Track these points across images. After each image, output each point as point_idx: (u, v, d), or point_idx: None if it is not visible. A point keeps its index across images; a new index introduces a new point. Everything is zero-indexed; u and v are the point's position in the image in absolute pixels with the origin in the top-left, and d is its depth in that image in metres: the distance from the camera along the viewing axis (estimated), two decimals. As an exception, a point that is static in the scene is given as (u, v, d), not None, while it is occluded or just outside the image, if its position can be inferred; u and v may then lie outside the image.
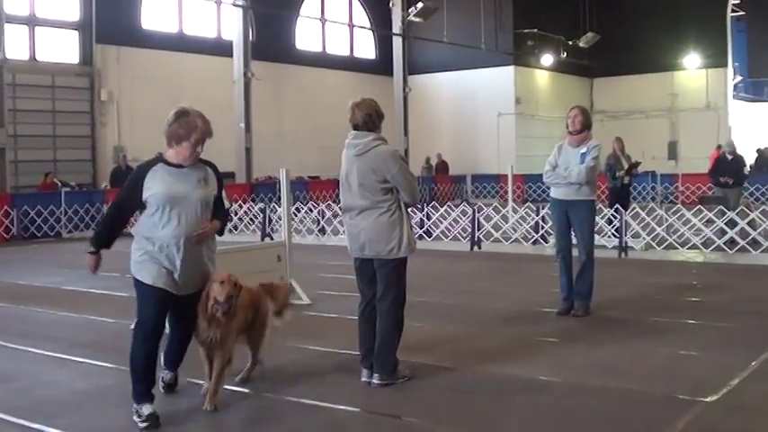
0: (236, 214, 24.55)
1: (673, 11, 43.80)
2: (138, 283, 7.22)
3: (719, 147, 23.03)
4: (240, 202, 26.05)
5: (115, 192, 25.62)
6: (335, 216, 21.60)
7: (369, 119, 7.95)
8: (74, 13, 31.05)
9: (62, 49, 30.83)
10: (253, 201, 27.53)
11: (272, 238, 21.27)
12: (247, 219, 24.19)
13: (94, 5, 30.74)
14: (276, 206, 22.24)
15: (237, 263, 12.33)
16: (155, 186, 7.10)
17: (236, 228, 24.34)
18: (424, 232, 21.42)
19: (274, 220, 22.26)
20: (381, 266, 7.96)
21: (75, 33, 31.20)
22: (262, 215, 22.84)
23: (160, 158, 7.31)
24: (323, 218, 23.25)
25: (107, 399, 7.97)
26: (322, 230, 23.12)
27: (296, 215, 23.06)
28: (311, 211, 23.82)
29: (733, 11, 46.45)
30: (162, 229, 7.11)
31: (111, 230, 7.45)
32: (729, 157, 20.72)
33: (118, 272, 16.50)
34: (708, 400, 7.42)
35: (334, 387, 8.07)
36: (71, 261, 18.76)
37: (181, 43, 33.97)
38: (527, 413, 7.27)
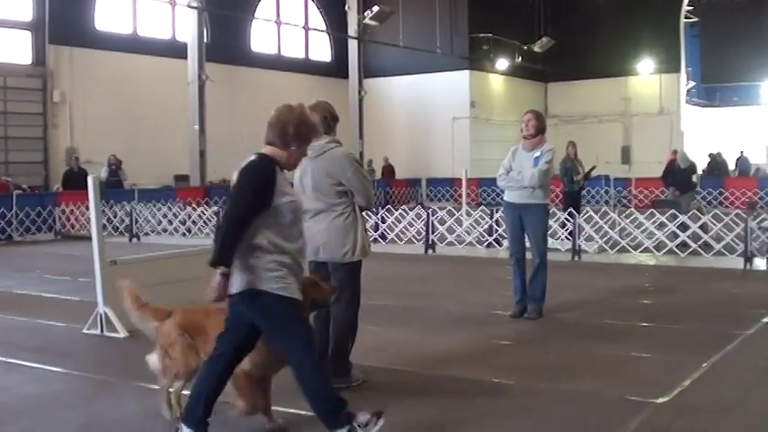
0: (189, 217, 24.44)
1: (627, 17, 44.13)
2: (287, 302, 6.20)
3: (675, 151, 23.33)
4: (194, 205, 25.92)
5: (68, 194, 25.51)
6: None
7: (324, 121, 7.92)
8: (26, 13, 30.74)
9: (14, 49, 30.51)
10: (207, 204, 27.40)
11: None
12: (201, 222, 24.04)
13: (47, 6, 30.45)
14: (230, 209, 22.09)
15: (191, 266, 12.27)
16: (289, 192, 6.32)
17: (189, 231, 24.22)
18: (378, 235, 21.38)
19: (228, 223, 22.12)
20: (336, 270, 7.94)
21: (28, 34, 30.87)
22: (215, 218, 22.71)
23: (273, 159, 6.28)
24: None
25: (57, 404, 7.89)
26: (276, 234, 23.02)
27: (250, 218, 22.92)
28: (265, 214, 23.70)
29: (686, 17, 46.88)
30: (293, 241, 6.28)
31: (239, 242, 6.14)
32: (682, 166, 21.07)
33: (69, 275, 16.48)
34: (659, 401, 7.46)
35: (286, 390, 8.01)
36: (22, 264, 18.57)
37: (135, 45, 33.71)
38: (481, 415, 7.27)
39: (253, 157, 6.28)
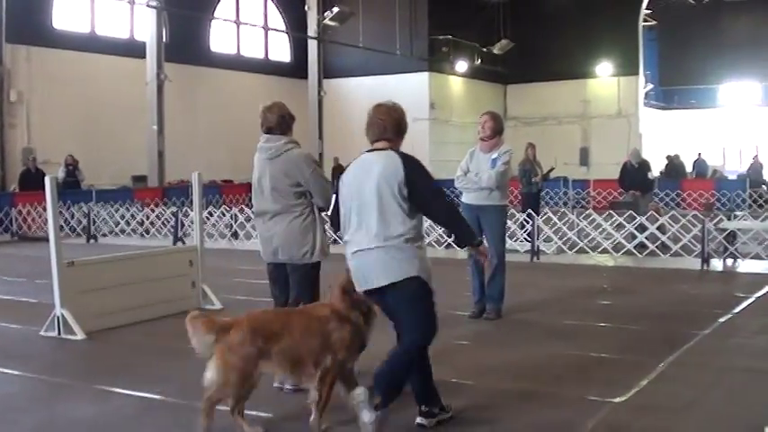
0: (147, 218, 24.30)
1: (586, 20, 44.35)
2: (430, 293, 7.10)
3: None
4: (152, 205, 25.77)
5: (25, 195, 25.28)
6: (248, 220, 21.47)
7: (282, 121, 7.91)
8: (-18, 12, 30.42)
9: (-30, 49, 30.17)
10: (165, 204, 27.26)
11: (184, 243, 21.06)
12: (159, 223, 23.90)
13: (4, 4, 30.06)
14: (188, 210, 22.02)
15: (149, 267, 12.25)
16: None
17: (147, 232, 24.09)
18: (338, 236, 21.33)
19: (186, 225, 22.03)
20: (294, 271, 7.92)
21: (-16, 33, 30.59)
22: (174, 219, 22.58)
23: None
24: (235, 222, 23.08)
25: (12, 406, 7.82)
26: (235, 235, 22.95)
27: (208, 219, 22.85)
28: (224, 215, 23.62)
29: (645, 20, 47.20)
30: None
31: None
32: (635, 165, 21.14)
33: (26, 277, 16.33)
34: (617, 400, 7.52)
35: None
36: (-22, 265, 18.40)
37: (93, 44, 33.43)
38: (439, 417, 7.27)
39: (393, 153, 6.84)
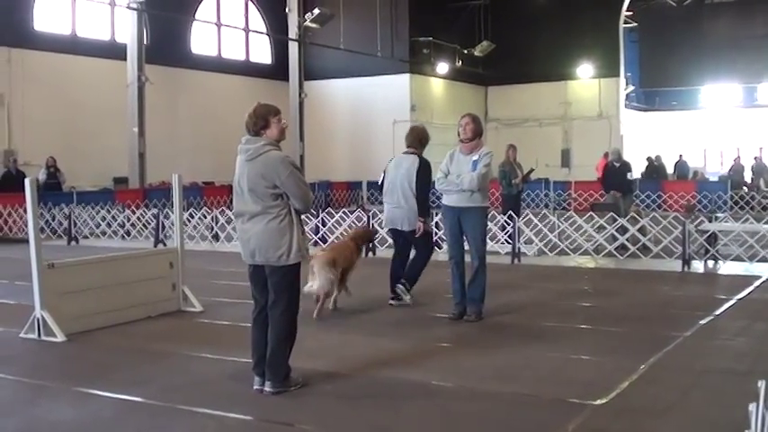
0: (128, 220, 24.21)
1: (567, 21, 44.43)
2: None
3: (606, 154, 23.39)
4: (133, 207, 25.67)
5: (5, 196, 25.09)
6: (229, 222, 21.43)
7: (255, 122, 7.86)
8: (-38, 13, 30.28)
9: (-50, 50, 30.02)
10: (146, 206, 27.15)
11: (164, 245, 21.00)
12: (140, 225, 23.83)
13: (-16, 6, 30.02)
14: (169, 212, 21.92)
15: (130, 269, 12.21)
16: None
17: (128, 234, 24.01)
18: (318, 238, 21.32)
19: (167, 227, 21.96)
20: (272, 273, 7.90)
21: (-36, 34, 30.44)
22: (155, 221, 22.51)
23: None
24: (216, 224, 23.02)
25: (-9, 408, 7.79)
26: (215, 237, 22.89)
27: (189, 221, 22.80)
28: (205, 217, 23.55)
29: (625, 22, 47.32)
30: None
31: None
32: (617, 165, 21.14)
33: (6, 279, 16.26)
34: (597, 403, 7.51)
35: (225, 395, 7.99)
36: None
37: (74, 46, 33.31)
38: (418, 418, 7.28)
39: (416, 157, 12.43)
